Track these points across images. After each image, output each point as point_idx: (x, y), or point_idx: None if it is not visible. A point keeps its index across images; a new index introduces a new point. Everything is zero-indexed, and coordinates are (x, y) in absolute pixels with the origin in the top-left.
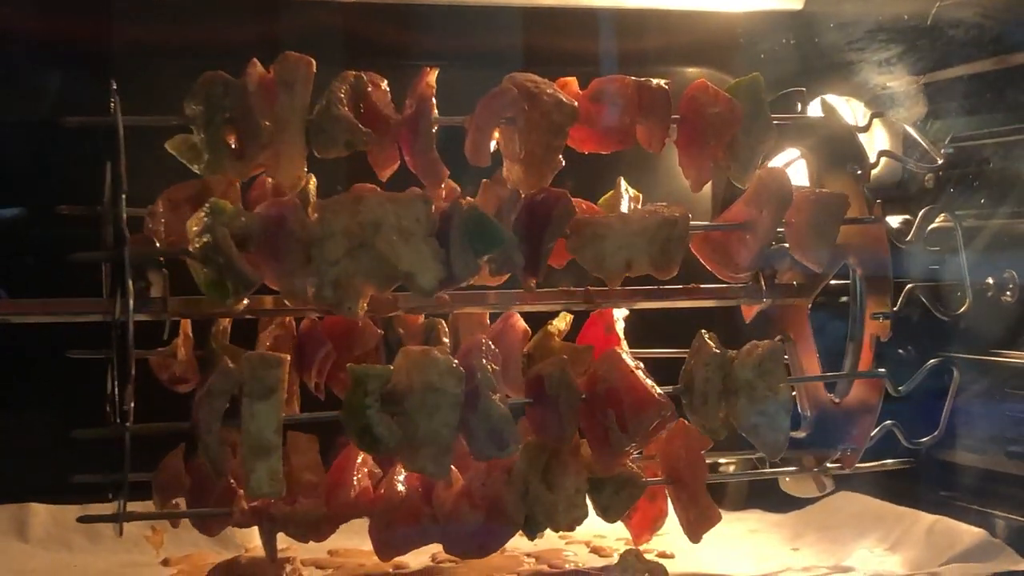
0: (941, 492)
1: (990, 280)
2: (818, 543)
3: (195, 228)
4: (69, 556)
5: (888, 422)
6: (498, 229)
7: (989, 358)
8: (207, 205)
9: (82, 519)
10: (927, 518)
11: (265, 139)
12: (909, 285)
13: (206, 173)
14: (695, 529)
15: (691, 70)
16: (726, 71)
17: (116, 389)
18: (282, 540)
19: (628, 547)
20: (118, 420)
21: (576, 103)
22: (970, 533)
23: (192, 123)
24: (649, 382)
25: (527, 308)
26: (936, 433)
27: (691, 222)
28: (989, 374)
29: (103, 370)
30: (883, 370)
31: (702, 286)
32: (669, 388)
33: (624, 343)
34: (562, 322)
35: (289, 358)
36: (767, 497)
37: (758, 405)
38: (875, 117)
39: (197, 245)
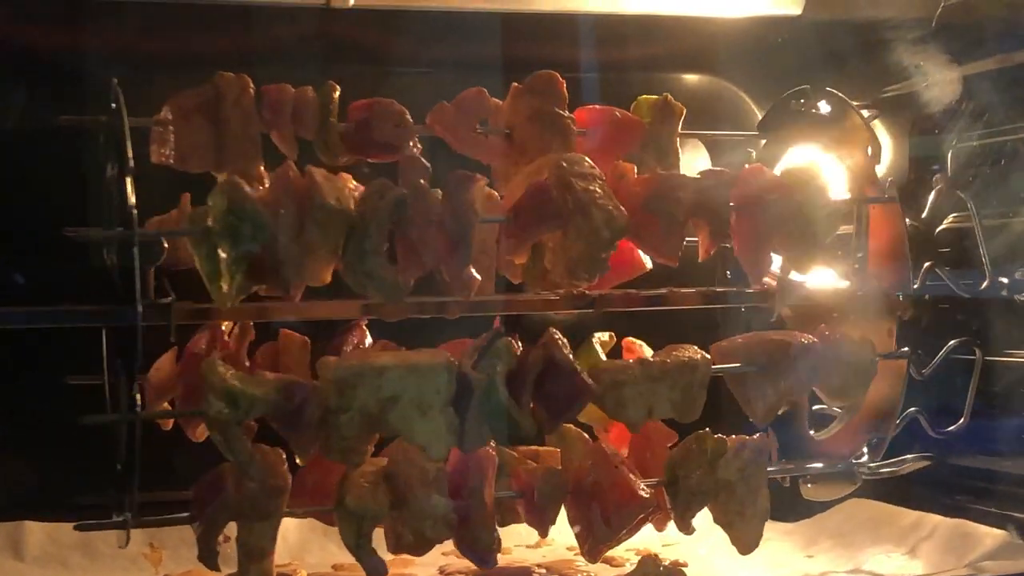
0: (956, 497)
1: (1004, 280)
2: (833, 549)
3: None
4: (66, 574)
5: (912, 409)
6: (515, 411)
7: (1004, 359)
8: (212, 398)
9: (81, 527)
10: (945, 521)
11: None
12: (928, 263)
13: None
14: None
15: (689, 76)
16: (725, 77)
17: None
18: (283, 554)
19: (643, 555)
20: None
21: (626, 215)
22: (992, 535)
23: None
24: (632, 477)
25: (528, 311)
26: (962, 420)
27: (712, 366)
28: (1004, 375)
29: (101, 385)
30: (906, 349)
31: (712, 289)
32: (654, 481)
33: None
34: (605, 334)
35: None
36: (776, 506)
37: (736, 506)
38: (874, 119)
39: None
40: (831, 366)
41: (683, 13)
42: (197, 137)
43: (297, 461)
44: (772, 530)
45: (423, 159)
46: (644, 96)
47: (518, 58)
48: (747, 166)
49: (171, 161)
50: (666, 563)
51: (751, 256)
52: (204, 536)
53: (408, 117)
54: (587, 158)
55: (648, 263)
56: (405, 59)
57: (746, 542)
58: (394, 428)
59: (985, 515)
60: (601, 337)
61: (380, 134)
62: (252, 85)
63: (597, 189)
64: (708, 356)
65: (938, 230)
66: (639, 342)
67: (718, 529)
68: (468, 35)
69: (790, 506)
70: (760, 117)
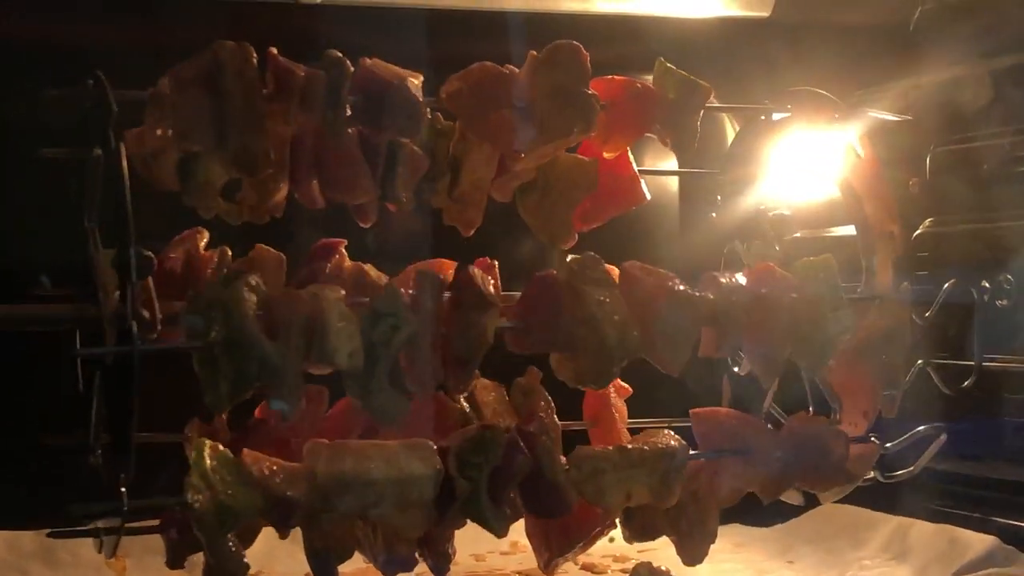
0: (936, 501)
1: (986, 284)
2: (814, 555)
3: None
4: None
5: (920, 362)
6: (493, 516)
7: (984, 364)
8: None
9: (55, 534)
10: (927, 526)
11: None
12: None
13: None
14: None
15: None
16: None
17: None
18: (252, 562)
19: (640, 562)
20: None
21: (638, 337)
22: (980, 539)
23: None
24: None
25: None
26: (973, 376)
27: (689, 452)
28: (984, 379)
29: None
30: (873, 438)
31: None
32: None
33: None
34: None
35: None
36: (748, 511)
37: (685, 526)
38: None
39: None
40: (809, 455)
41: (651, 13)
42: (196, 111)
43: None
44: (747, 535)
45: (436, 276)
46: (666, 64)
47: (488, 56)
48: (758, 266)
49: (171, 145)
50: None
51: (763, 361)
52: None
53: (423, 107)
54: (601, 261)
55: (648, 195)
56: (375, 56)
57: (693, 556)
58: (371, 518)
59: (966, 520)
60: None
61: (391, 120)
62: (255, 54)
63: (609, 300)
64: (685, 443)
65: (915, 234)
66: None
67: None
68: (439, 33)
69: (763, 510)
70: (728, 119)
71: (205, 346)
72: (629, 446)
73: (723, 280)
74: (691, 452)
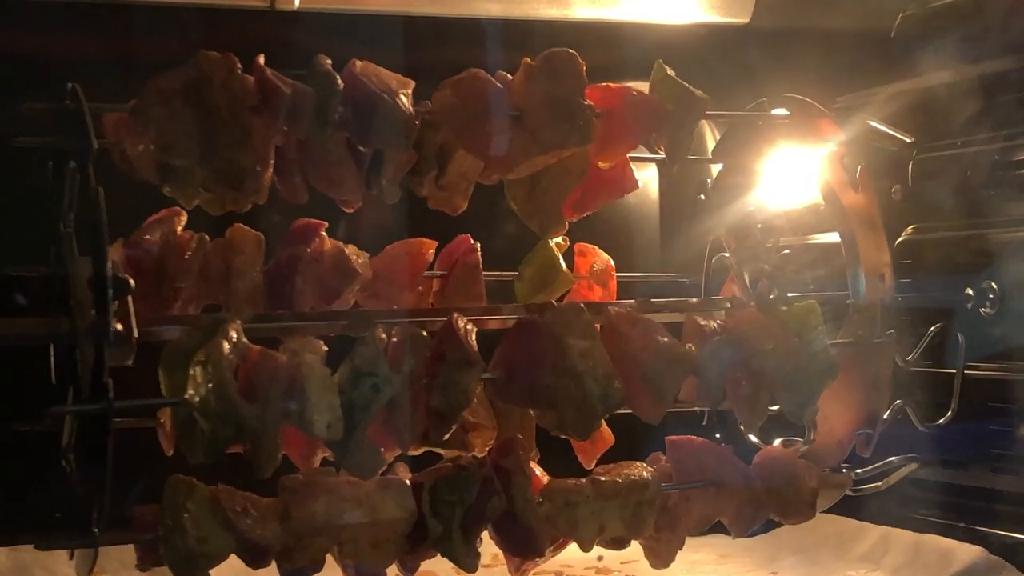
0: (920, 511)
1: (969, 291)
2: (799, 566)
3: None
4: None
5: (898, 402)
6: (464, 555)
7: (968, 371)
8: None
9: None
10: (912, 536)
11: None
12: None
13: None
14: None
15: (636, 83)
16: None
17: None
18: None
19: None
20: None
21: (623, 390)
22: (966, 550)
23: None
24: None
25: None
26: (950, 413)
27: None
28: (970, 387)
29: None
30: (845, 469)
31: (690, 300)
32: None
33: None
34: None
35: None
36: None
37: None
38: None
39: None
40: (779, 488)
41: (630, 20)
42: (180, 125)
43: None
44: (732, 546)
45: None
46: (665, 69)
47: (468, 64)
48: (741, 313)
49: (151, 152)
50: None
51: (747, 408)
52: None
53: (413, 122)
54: (583, 310)
55: (640, 182)
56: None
57: (663, 559)
58: (344, 554)
59: (952, 530)
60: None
61: (380, 137)
62: (239, 65)
63: (592, 352)
64: (657, 475)
65: (897, 241)
66: (591, 246)
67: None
68: (417, 40)
69: None
70: (709, 126)
71: (182, 403)
72: (602, 478)
73: (706, 328)
74: (662, 485)
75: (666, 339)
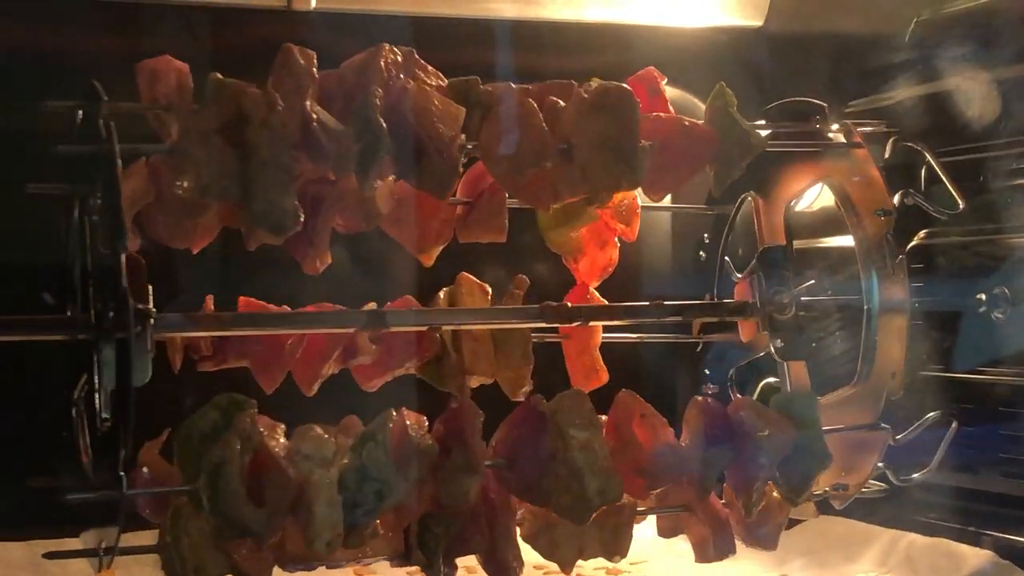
0: (929, 514)
1: (982, 296)
2: (807, 568)
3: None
4: None
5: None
6: None
7: (979, 376)
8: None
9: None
10: (921, 540)
11: None
12: (900, 191)
13: None
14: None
15: None
16: (685, 88)
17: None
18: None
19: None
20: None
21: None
22: (975, 554)
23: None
24: None
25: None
26: (927, 470)
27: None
28: (980, 393)
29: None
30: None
31: (692, 303)
32: None
33: None
34: None
35: None
36: None
37: None
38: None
39: None
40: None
41: (643, 23)
42: (218, 164)
43: None
44: (740, 548)
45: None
46: (726, 96)
47: (479, 65)
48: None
49: (188, 192)
50: None
51: (744, 490)
52: None
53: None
54: (586, 399)
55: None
56: None
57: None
58: None
59: (962, 533)
60: None
61: (424, 182)
62: (280, 102)
63: (593, 446)
64: (634, 500)
65: (909, 246)
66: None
67: (682, 547)
68: (432, 40)
69: None
70: None
71: (190, 492)
72: None
73: (705, 418)
74: (639, 508)
75: (671, 441)
